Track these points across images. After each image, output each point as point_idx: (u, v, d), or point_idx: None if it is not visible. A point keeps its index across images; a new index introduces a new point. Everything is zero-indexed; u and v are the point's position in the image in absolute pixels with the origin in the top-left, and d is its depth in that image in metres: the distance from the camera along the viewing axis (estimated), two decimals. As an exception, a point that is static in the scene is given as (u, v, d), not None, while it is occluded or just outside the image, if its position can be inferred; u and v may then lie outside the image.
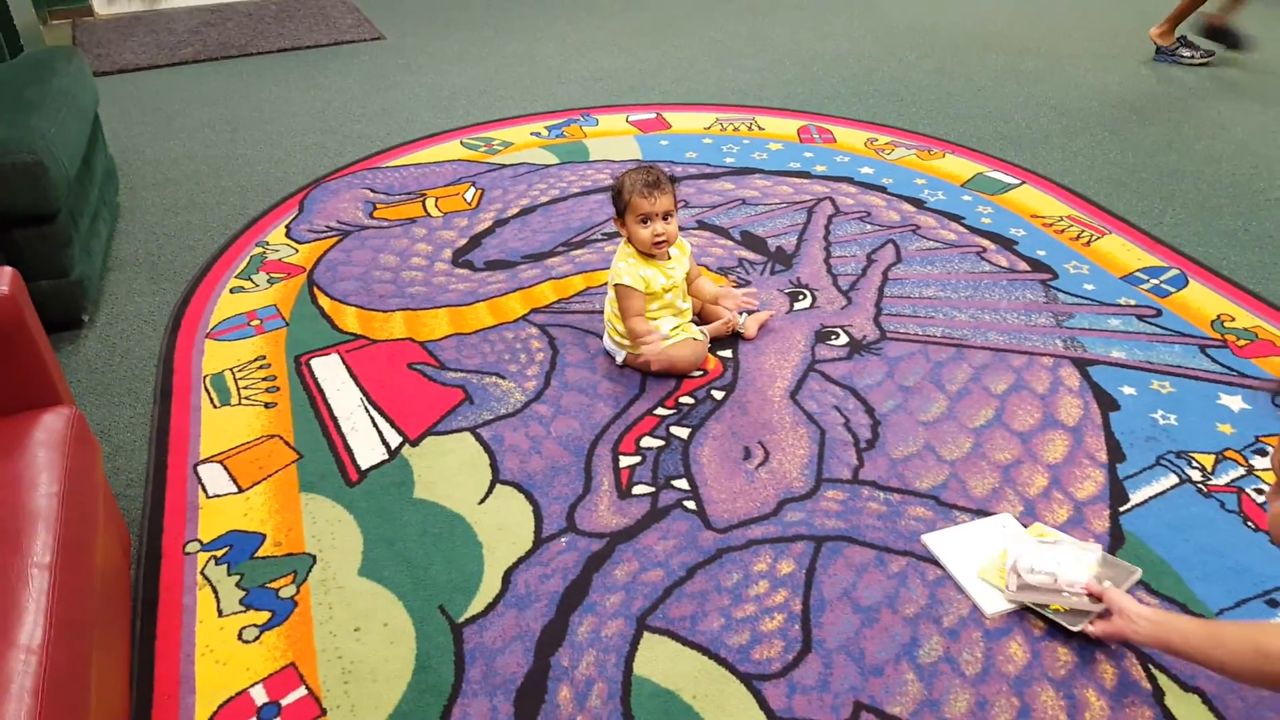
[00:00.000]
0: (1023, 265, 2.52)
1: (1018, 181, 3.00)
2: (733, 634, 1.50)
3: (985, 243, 2.63)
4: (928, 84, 3.88)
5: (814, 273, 2.49)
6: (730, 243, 2.65)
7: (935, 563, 1.62)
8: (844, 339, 2.22)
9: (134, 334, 2.33)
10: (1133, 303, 2.35)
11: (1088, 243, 2.63)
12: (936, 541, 1.66)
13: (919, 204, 2.85)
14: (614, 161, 3.18)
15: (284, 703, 1.41)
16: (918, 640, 1.49)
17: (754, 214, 2.81)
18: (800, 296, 2.39)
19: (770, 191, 2.95)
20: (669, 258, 2.09)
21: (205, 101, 3.85)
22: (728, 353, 2.18)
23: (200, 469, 1.85)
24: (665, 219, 2.01)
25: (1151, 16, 4.76)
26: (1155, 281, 2.44)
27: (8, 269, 1.36)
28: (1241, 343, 2.18)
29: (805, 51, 4.31)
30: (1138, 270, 2.49)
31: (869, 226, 2.73)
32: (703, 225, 2.75)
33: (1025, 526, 1.69)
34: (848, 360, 2.14)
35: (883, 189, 2.95)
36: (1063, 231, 2.69)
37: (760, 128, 3.42)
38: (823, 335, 2.23)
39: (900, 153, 3.20)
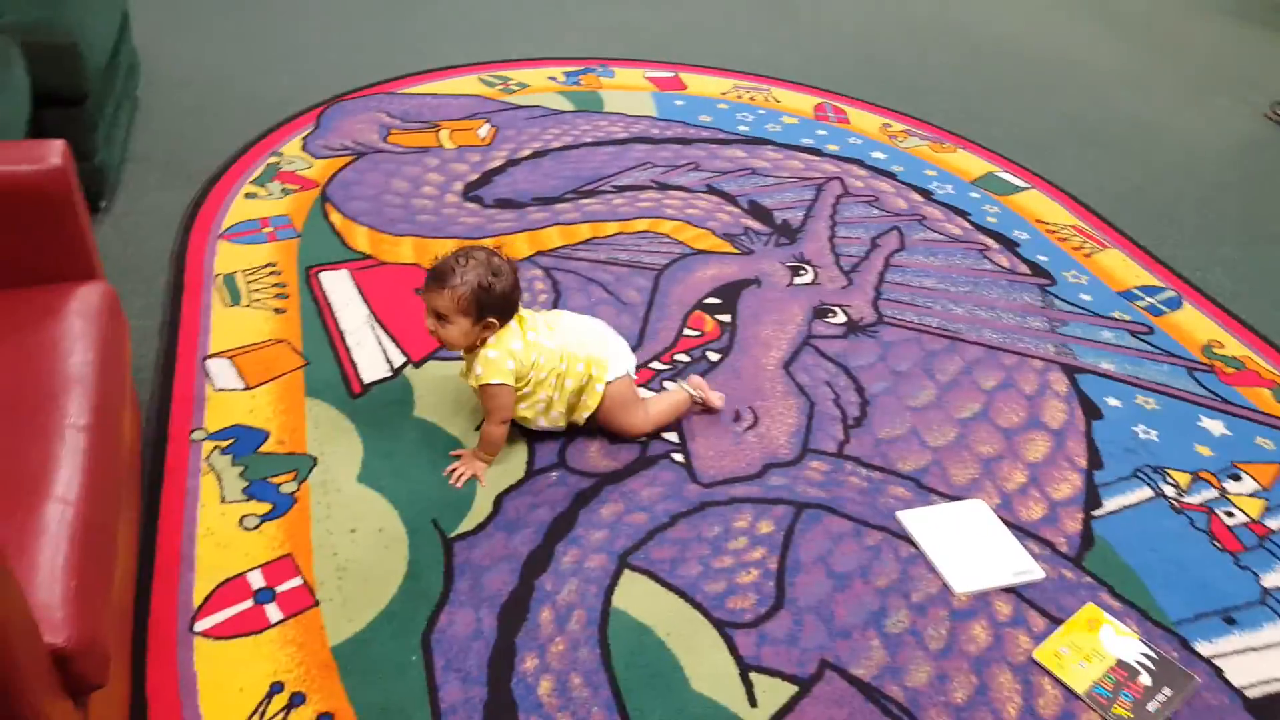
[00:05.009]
0: (1023, 268, 2.56)
1: (1026, 185, 3.03)
2: (709, 581, 1.54)
3: (988, 241, 2.67)
4: (946, 78, 3.89)
5: (817, 250, 2.52)
6: (737, 210, 2.67)
7: (910, 541, 1.68)
8: (841, 318, 2.25)
9: (147, 226, 2.32)
10: (1126, 318, 2.40)
11: (1089, 254, 2.68)
12: (911, 519, 1.71)
13: (927, 195, 2.88)
14: (628, 115, 3.17)
15: (279, 589, 1.46)
16: (886, 610, 1.54)
17: (763, 185, 2.82)
18: (801, 271, 2.42)
19: (781, 164, 2.96)
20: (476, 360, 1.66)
21: (230, 7, 3.78)
22: (726, 317, 2.20)
23: (209, 363, 1.87)
24: (440, 319, 1.60)
25: (1179, 40, 4.79)
26: (1151, 300, 2.49)
27: (59, 141, 1.38)
28: (1229, 370, 2.25)
29: (828, 29, 4.29)
30: (1135, 287, 2.55)
31: (875, 211, 2.75)
32: (712, 190, 2.76)
33: (1004, 521, 1.74)
34: (843, 339, 2.18)
35: (892, 175, 2.97)
36: (1065, 240, 2.73)
37: (776, 100, 3.42)
38: (821, 312, 2.27)
39: (913, 142, 3.22)
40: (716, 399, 1.90)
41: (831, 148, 3.10)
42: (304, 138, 2.79)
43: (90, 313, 1.35)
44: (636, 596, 1.51)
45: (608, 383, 1.72)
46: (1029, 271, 2.55)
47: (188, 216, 2.35)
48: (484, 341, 1.64)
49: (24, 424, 1.17)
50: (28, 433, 1.16)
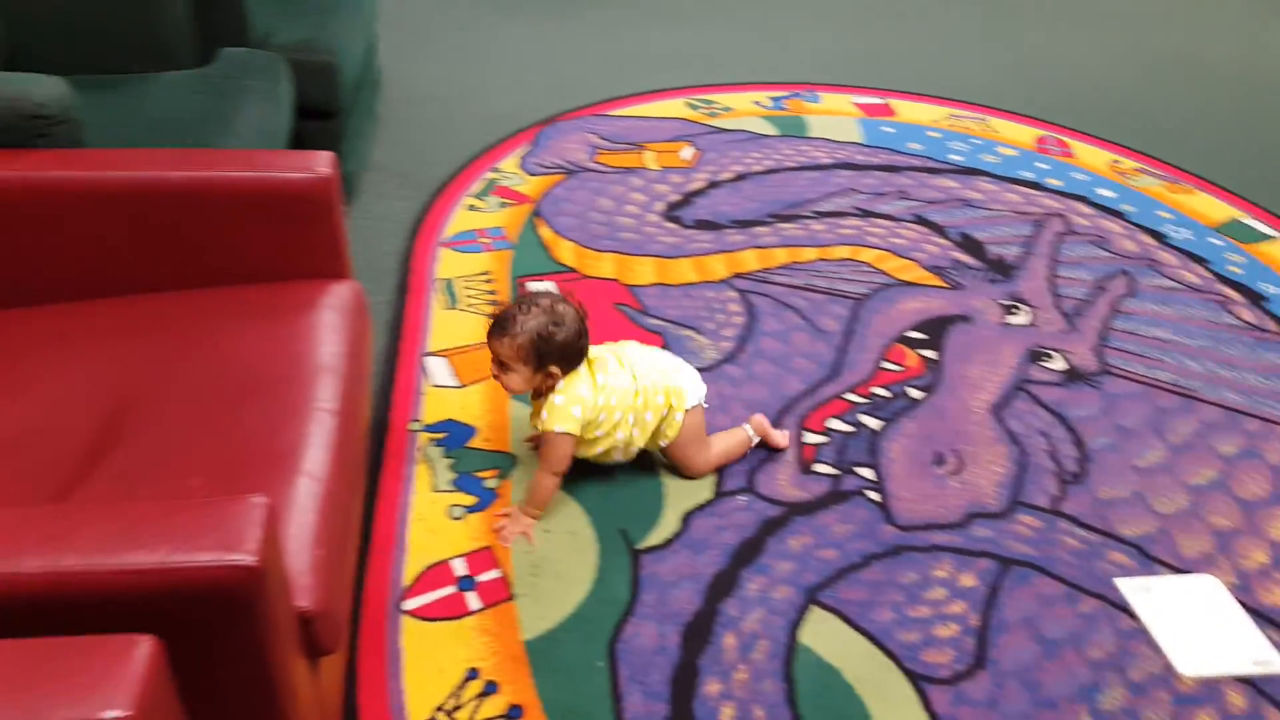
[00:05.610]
0: (1271, 325, 2.31)
1: (1276, 234, 2.73)
2: (904, 630, 1.48)
3: (1231, 293, 2.42)
4: (1184, 114, 3.58)
5: (1035, 289, 2.37)
6: (946, 242, 2.56)
7: (1129, 613, 1.54)
8: (1060, 364, 2.11)
9: (380, 231, 2.52)
10: (1401, 388, 2.11)
11: (1354, 314, 2.37)
12: (1132, 589, 1.57)
13: (1160, 238, 2.66)
14: (832, 141, 3.12)
15: (479, 579, 1.54)
16: (1099, 686, 1.42)
17: (976, 217, 2.70)
18: (1015, 310, 2.28)
19: (996, 197, 2.82)
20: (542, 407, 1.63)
21: (458, 28, 4.06)
22: (931, 353, 2.11)
23: (427, 360, 2.01)
24: (501, 366, 1.59)
25: None
26: None
27: (328, 153, 1.53)
28: None
29: (1050, 57, 4.06)
30: None
31: (1101, 252, 2.57)
32: (920, 220, 2.66)
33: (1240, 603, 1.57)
34: (1062, 387, 2.04)
35: (1121, 215, 2.76)
36: (1325, 297, 2.44)
37: (993, 130, 3.27)
38: (1036, 356, 2.13)
39: (1146, 181, 2.98)
40: (780, 437, 1.82)
41: (1053, 182, 2.92)
42: (522, 156, 2.94)
43: (342, 308, 1.49)
44: (824, 635, 1.47)
45: (686, 411, 1.68)
46: (1278, 330, 2.29)
47: (415, 224, 2.54)
48: (550, 388, 1.60)
49: (282, 404, 1.29)
50: (285, 412, 1.28)
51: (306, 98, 2.34)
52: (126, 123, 1.91)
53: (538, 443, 1.74)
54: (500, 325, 1.58)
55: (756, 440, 1.81)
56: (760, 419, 1.84)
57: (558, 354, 1.57)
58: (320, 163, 1.52)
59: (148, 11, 2.12)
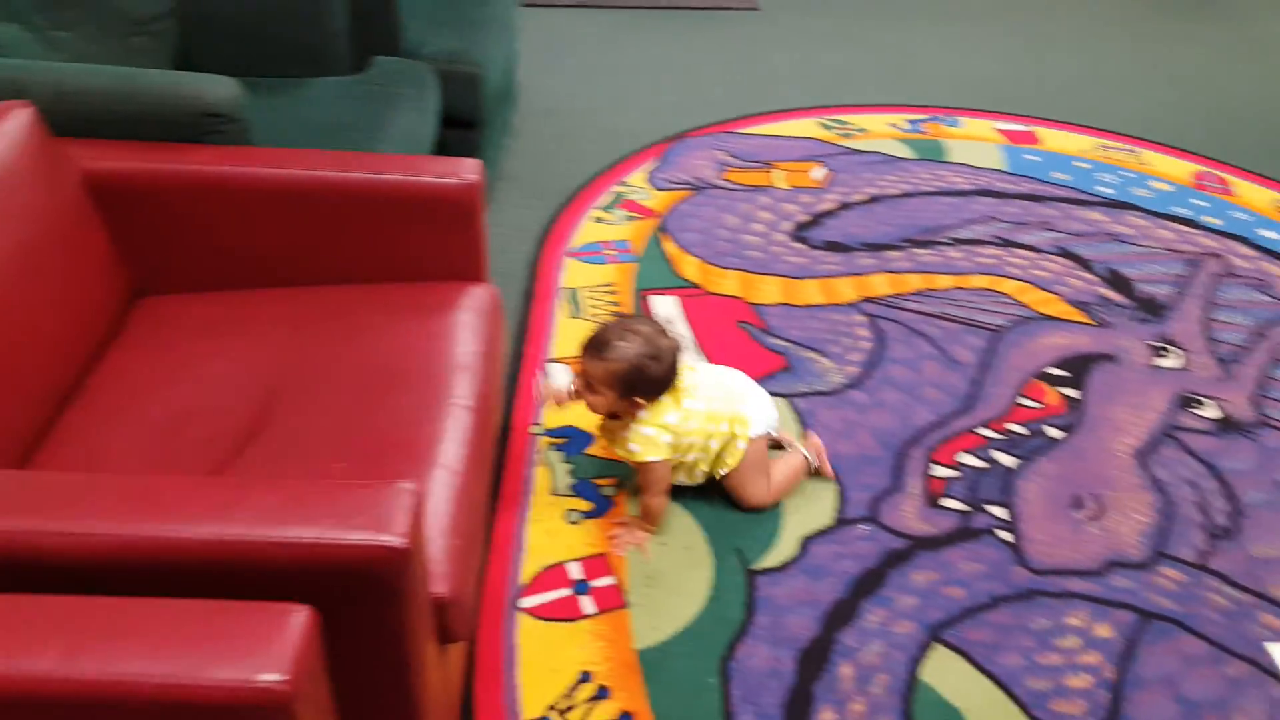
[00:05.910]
0: None
1: None
2: (1033, 677, 1.41)
3: None
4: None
5: (1188, 332, 2.23)
6: (1093, 277, 2.44)
7: (1285, 683, 1.42)
8: (1213, 412, 1.97)
9: (509, 238, 2.58)
10: None
11: None
12: (1291, 661, 1.45)
13: (1330, 285, 2.46)
14: (972, 166, 3.02)
15: (593, 584, 1.55)
16: (1249, 760, 1.31)
17: (1125, 253, 2.56)
18: (1165, 353, 2.15)
19: (1148, 233, 2.67)
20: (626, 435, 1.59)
21: (591, 44, 4.14)
22: (1073, 392, 2.01)
23: (550, 366, 2.04)
24: (588, 385, 1.55)
25: None
26: None
27: (476, 160, 1.59)
28: None
29: (1210, 90, 3.82)
30: None
31: (1263, 297, 2.39)
32: (1065, 253, 2.55)
33: None
34: (1214, 436, 1.91)
35: (1286, 259, 2.57)
36: None
37: (1146, 163, 3.10)
38: (1187, 402, 2.00)
39: (1316, 223, 2.76)
40: (830, 470, 1.77)
41: (1211, 220, 2.74)
42: (649, 171, 2.97)
43: (480, 309, 1.54)
44: (947, 674, 1.41)
45: (750, 440, 1.63)
46: None
47: (543, 233, 2.60)
48: (633, 415, 1.56)
49: (422, 397, 1.34)
50: (424, 405, 1.33)
51: (451, 107, 2.43)
52: (285, 123, 2.02)
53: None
54: (596, 346, 1.54)
55: (815, 463, 1.76)
56: (816, 440, 1.80)
57: (649, 387, 1.54)
58: (468, 169, 1.58)
59: (310, 20, 2.25)
